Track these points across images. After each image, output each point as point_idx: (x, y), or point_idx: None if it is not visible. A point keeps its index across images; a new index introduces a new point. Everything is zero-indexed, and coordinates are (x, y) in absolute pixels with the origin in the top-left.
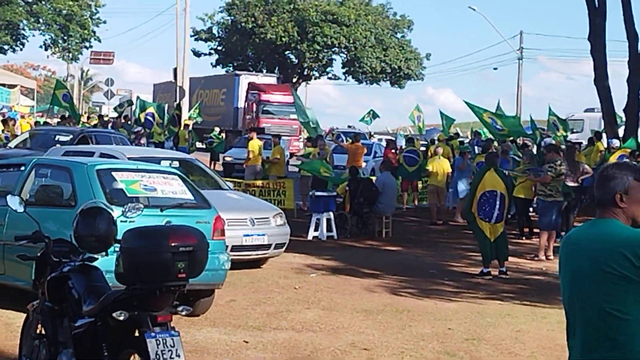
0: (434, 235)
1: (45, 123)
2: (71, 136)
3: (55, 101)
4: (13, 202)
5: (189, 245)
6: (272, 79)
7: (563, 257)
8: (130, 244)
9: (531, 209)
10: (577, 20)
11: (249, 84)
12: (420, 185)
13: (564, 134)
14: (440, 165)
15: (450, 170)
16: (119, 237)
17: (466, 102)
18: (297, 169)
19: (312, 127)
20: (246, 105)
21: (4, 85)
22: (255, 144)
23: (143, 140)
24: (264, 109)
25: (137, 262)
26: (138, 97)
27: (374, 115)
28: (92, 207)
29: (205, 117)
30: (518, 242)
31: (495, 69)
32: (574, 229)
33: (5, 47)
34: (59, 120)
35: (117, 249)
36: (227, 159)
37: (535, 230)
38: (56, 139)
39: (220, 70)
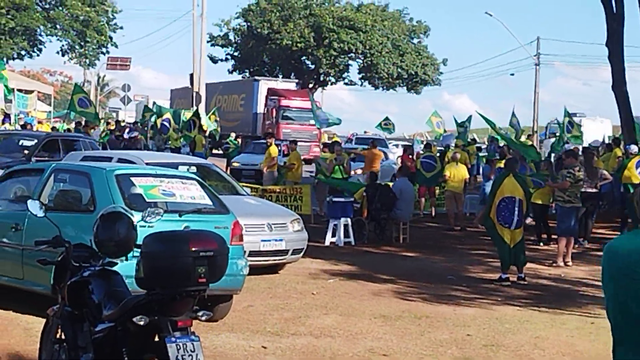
0: (452, 241)
1: (68, 130)
2: (35, 141)
3: (72, 106)
4: (34, 206)
5: (209, 250)
6: (291, 85)
7: (606, 266)
8: (150, 248)
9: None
10: (594, 26)
11: (268, 89)
12: (437, 191)
13: (577, 134)
14: (458, 171)
15: (467, 176)
16: (139, 242)
17: (479, 114)
18: (311, 174)
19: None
20: (265, 111)
21: (21, 90)
22: (275, 149)
23: (139, 145)
24: (284, 114)
25: (157, 267)
26: (154, 103)
27: (393, 127)
28: (112, 211)
29: (224, 123)
30: (536, 248)
31: (512, 74)
32: (617, 237)
33: (23, 52)
34: (74, 126)
35: (136, 254)
36: (235, 164)
37: (554, 236)
38: (20, 143)
39: (237, 76)
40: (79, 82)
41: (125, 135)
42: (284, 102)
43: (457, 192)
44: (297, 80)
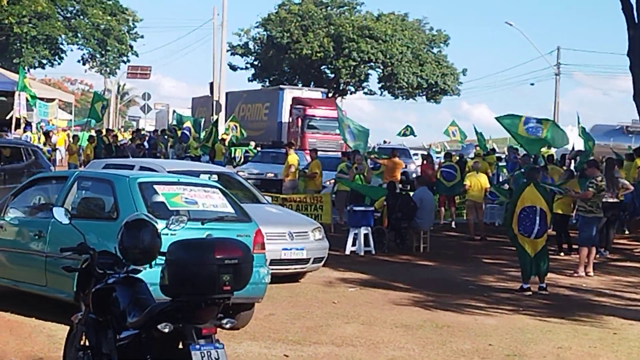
0: (472, 251)
1: (91, 137)
2: None
3: (93, 114)
4: (59, 213)
5: (234, 257)
6: (317, 94)
7: None
8: (176, 256)
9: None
10: (615, 36)
11: (294, 98)
12: (457, 201)
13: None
14: (478, 181)
15: (488, 185)
16: (163, 249)
17: (497, 119)
18: (331, 182)
19: (356, 143)
20: (290, 120)
21: (42, 99)
22: (294, 158)
23: (127, 153)
24: (309, 124)
25: (182, 275)
26: (174, 111)
27: (411, 132)
28: (136, 219)
29: (248, 132)
30: (557, 258)
31: (532, 84)
32: None
33: (44, 61)
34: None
35: (161, 262)
36: (241, 173)
37: (575, 246)
38: None
39: (257, 85)
40: (99, 91)
41: (146, 144)
42: (310, 112)
43: (477, 202)
44: (323, 90)
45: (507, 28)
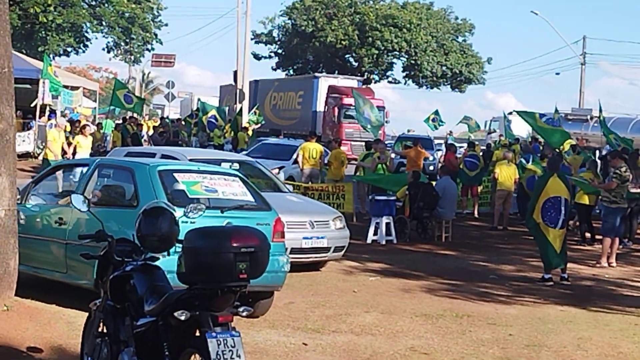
0: (494, 240)
1: (117, 125)
2: None
3: (115, 102)
4: (77, 200)
5: (250, 246)
6: (353, 82)
7: None
8: (192, 243)
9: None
10: None
11: (330, 86)
12: (480, 189)
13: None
14: (509, 170)
15: (517, 175)
16: (181, 237)
17: (517, 112)
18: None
19: (373, 127)
20: (326, 109)
21: (67, 87)
22: (308, 147)
23: (108, 146)
24: (346, 113)
25: (199, 262)
26: (199, 100)
27: (439, 121)
28: (154, 207)
29: (279, 121)
30: (580, 248)
31: (557, 73)
32: None
33: (69, 49)
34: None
35: (178, 249)
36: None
37: (598, 236)
38: None
39: (280, 74)
40: (124, 79)
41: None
42: (347, 101)
43: (509, 191)
44: (359, 77)
45: (532, 17)
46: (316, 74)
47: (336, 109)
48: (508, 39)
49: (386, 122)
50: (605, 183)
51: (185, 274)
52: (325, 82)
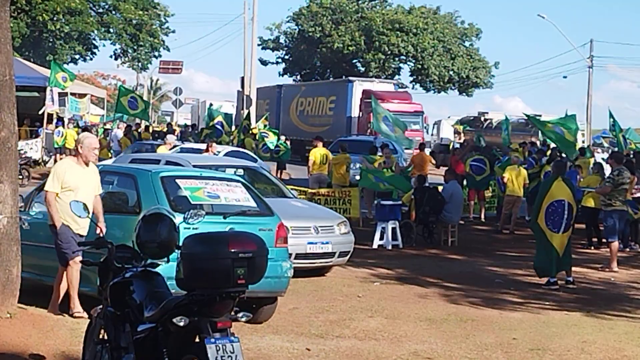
0: (500, 245)
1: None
2: None
3: (121, 109)
4: (77, 207)
5: (248, 251)
6: (389, 86)
7: None
8: (190, 249)
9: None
10: None
11: (364, 91)
12: (488, 194)
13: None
14: (519, 174)
15: (527, 180)
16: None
17: (526, 115)
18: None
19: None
20: (361, 115)
21: (74, 94)
22: (317, 152)
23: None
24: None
25: (197, 268)
26: (210, 105)
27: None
28: (153, 213)
29: (308, 128)
30: (585, 252)
31: (565, 77)
32: None
33: (77, 56)
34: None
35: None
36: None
37: (604, 240)
38: None
39: (287, 80)
40: (132, 86)
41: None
42: (383, 106)
43: (518, 196)
44: (395, 81)
45: (539, 21)
46: (350, 78)
47: (372, 115)
48: (515, 42)
49: (425, 127)
50: (600, 187)
51: (183, 280)
52: (360, 86)
